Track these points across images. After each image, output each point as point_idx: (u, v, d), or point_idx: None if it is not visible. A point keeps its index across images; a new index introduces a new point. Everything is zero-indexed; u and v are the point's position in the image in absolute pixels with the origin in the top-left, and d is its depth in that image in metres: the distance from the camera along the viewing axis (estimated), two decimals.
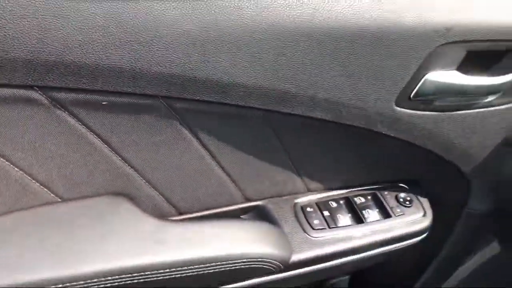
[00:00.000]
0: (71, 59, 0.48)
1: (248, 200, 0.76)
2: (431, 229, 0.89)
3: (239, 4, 0.51)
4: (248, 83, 0.55)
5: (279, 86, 0.57)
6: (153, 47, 0.50)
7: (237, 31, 0.51)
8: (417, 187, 0.86)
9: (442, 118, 0.69)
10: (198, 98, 0.56)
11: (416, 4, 0.59)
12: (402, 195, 0.84)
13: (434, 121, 0.69)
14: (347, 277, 1.04)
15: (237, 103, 0.58)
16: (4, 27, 0.45)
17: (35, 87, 0.51)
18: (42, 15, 0.45)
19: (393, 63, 0.60)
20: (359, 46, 0.57)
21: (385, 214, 0.81)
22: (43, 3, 0.45)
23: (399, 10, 0.58)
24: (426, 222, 0.83)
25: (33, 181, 0.59)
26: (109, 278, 0.58)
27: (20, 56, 0.46)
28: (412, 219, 0.82)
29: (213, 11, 0.50)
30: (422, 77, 0.63)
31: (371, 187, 0.84)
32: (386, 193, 0.84)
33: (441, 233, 0.91)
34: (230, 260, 0.65)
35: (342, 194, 0.82)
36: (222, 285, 0.68)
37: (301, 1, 0.53)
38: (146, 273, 0.59)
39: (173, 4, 0.49)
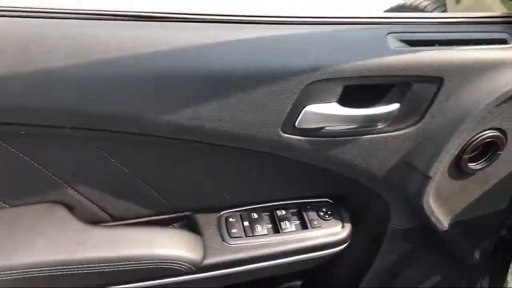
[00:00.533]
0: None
1: (177, 211, 0.88)
2: (363, 241, 0.97)
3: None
4: (155, 118, 0.68)
5: (185, 122, 0.69)
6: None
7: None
8: (340, 203, 0.94)
9: (336, 143, 0.77)
10: (116, 129, 0.70)
11: (285, 52, 0.68)
12: (324, 209, 0.93)
13: (327, 145, 0.77)
14: (299, 282, 1.13)
15: (150, 133, 0.71)
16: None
17: None
18: None
19: (273, 98, 0.70)
20: (244, 87, 0.68)
21: (303, 225, 0.90)
22: None
23: (270, 57, 0.68)
24: (343, 234, 0.91)
25: None
26: (35, 269, 0.73)
27: None
28: (329, 232, 0.90)
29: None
30: (302, 109, 0.72)
31: (298, 201, 0.93)
32: (309, 207, 0.93)
33: (371, 245, 0.98)
34: (143, 260, 0.77)
35: (268, 207, 0.92)
36: (137, 283, 0.80)
37: (202, 53, 0.66)
38: (63, 267, 0.73)
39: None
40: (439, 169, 0.80)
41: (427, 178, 0.81)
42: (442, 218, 0.89)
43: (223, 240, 0.86)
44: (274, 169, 0.87)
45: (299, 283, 1.13)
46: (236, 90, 0.68)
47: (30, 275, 0.73)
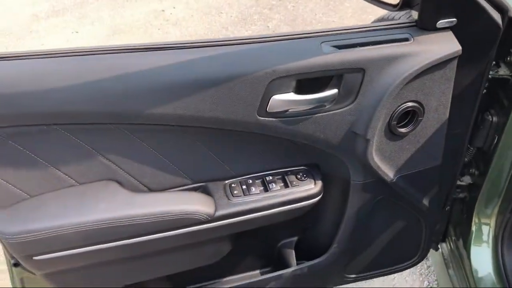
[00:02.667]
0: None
1: (197, 182, 1.23)
2: (333, 196, 1.30)
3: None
4: (172, 111, 1.03)
5: (192, 113, 1.04)
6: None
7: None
8: (313, 168, 1.28)
9: (298, 121, 1.11)
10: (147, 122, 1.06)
11: (253, 62, 1.03)
12: (301, 173, 1.27)
13: (292, 123, 1.11)
14: (294, 238, 1.46)
15: (168, 123, 1.06)
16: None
17: (52, 125, 1.04)
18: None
19: (249, 93, 1.04)
20: (228, 86, 1.02)
21: (286, 185, 1.24)
22: None
23: (244, 66, 1.02)
24: (316, 189, 1.26)
25: (63, 173, 1.11)
26: (99, 223, 1.09)
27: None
28: (305, 188, 1.25)
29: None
30: (270, 98, 1.06)
31: (281, 170, 1.28)
32: (289, 173, 1.27)
33: (340, 199, 1.32)
34: (172, 214, 1.13)
35: (259, 176, 1.27)
36: (168, 231, 1.15)
37: (192, 63, 1.01)
38: (118, 221, 1.09)
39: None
40: (375, 133, 1.13)
41: (367, 141, 1.14)
42: (388, 172, 1.22)
43: (228, 199, 1.21)
44: (262, 148, 1.21)
45: (294, 239, 1.46)
46: (223, 89, 1.03)
47: (95, 228, 1.09)
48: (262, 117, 1.08)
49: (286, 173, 1.27)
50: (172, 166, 1.18)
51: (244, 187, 1.23)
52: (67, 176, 1.12)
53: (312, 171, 1.28)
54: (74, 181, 1.13)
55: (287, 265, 1.43)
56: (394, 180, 1.24)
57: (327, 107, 1.11)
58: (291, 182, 1.24)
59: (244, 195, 1.22)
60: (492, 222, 1.36)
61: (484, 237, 1.40)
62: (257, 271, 1.50)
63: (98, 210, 1.10)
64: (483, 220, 1.39)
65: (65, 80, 0.98)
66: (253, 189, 1.23)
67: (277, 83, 1.05)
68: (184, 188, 1.22)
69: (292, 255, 1.46)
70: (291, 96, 1.07)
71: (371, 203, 1.31)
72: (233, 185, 1.24)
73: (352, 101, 1.11)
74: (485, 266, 1.39)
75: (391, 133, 1.16)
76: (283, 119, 1.10)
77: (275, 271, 1.41)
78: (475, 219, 1.45)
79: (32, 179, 1.10)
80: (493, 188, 1.32)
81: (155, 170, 1.17)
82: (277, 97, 1.07)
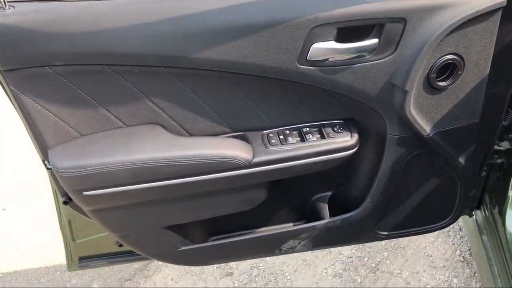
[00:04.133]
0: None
1: (236, 130, 1.28)
2: (369, 149, 1.32)
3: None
4: (216, 56, 1.07)
5: (234, 58, 1.08)
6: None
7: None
8: (350, 122, 1.30)
9: (337, 70, 1.13)
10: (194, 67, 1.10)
11: (294, 7, 1.06)
12: (337, 126, 1.29)
13: (331, 72, 1.13)
14: (328, 193, 1.50)
15: (211, 68, 1.11)
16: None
17: (104, 65, 1.10)
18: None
19: (289, 39, 1.07)
20: (270, 33, 1.06)
21: (322, 137, 1.27)
22: None
23: (285, 11, 1.06)
24: (352, 141, 1.27)
25: (113, 115, 1.18)
26: (145, 162, 1.15)
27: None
28: (341, 140, 1.27)
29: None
30: (310, 46, 1.09)
31: (318, 123, 1.30)
32: (326, 125, 1.30)
33: (375, 153, 1.34)
34: (213, 157, 1.18)
35: (297, 127, 1.30)
36: (209, 174, 1.21)
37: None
38: (162, 160, 1.16)
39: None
40: (414, 84, 1.14)
41: (405, 93, 1.15)
42: (424, 126, 1.23)
43: (266, 147, 1.25)
44: (301, 99, 1.25)
45: (328, 193, 1.50)
46: (265, 35, 1.06)
47: (141, 166, 1.15)
48: (302, 65, 1.11)
49: (323, 125, 1.30)
50: (213, 113, 1.23)
51: (281, 137, 1.27)
52: (116, 118, 1.19)
53: (348, 124, 1.30)
54: (122, 123, 1.20)
55: (320, 219, 1.47)
56: (431, 135, 1.25)
57: (366, 57, 1.13)
58: (327, 134, 1.27)
59: (281, 144, 1.25)
60: None
61: None
62: (290, 224, 1.55)
63: (144, 150, 1.17)
64: None
65: (120, 22, 1.04)
66: (290, 139, 1.26)
67: (318, 30, 1.07)
68: (224, 136, 1.27)
69: (325, 209, 1.49)
70: (332, 44, 1.10)
71: (406, 158, 1.32)
72: (270, 134, 1.28)
73: (392, 51, 1.12)
74: None
75: (429, 86, 1.17)
76: (323, 68, 1.13)
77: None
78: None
79: (84, 118, 1.17)
80: None
81: (197, 116, 1.22)
82: (318, 45, 1.09)
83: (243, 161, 1.20)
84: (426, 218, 1.54)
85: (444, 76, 1.17)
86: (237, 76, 1.14)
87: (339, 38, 1.10)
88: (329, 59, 1.12)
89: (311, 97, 1.24)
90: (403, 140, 1.28)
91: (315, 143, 1.26)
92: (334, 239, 1.51)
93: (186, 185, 1.21)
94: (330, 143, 1.26)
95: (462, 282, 2.01)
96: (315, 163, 1.27)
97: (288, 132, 1.28)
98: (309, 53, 1.10)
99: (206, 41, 1.06)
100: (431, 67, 1.13)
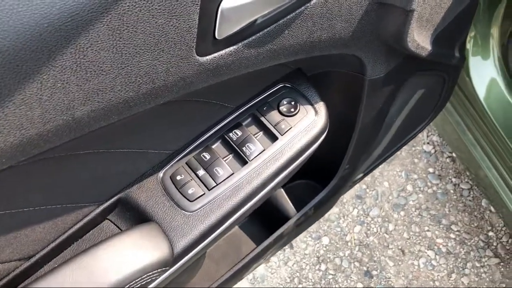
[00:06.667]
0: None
1: (107, 199, 0.68)
2: (344, 103, 0.89)
3: None
4: None
5: None
6: None
7: None
8: (298, 80, 0.77)
9: (282, 28, 0.59)
10: None
11: None
12: (285, 102, 0.75)
13: (271, 37, 0.59)
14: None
15: None
16: None
17: None
18: None
19: (169, 17, 0.48)
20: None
21: (270, 135, 0.73)
22: None
23: None
24: (321, 121, 0.74)
25: None
26: None
27: None
28: (303, 127, 0.73)
29: None
30: (216, 13, 0.51)
31: (247, 106, 0.75)
32: (265, 108, 0.74)
33: (347, 107, 0.88)
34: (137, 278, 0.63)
35: (214, 134, 0.73)
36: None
37: None
38: None
39: None
40: None
41: (409, 13, 0.65)
42: (425, 45, 0.76)
43: (182, 208, 0.68)
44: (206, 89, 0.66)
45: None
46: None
47: None
48: (207, 55, 0.54)
49: (259, 109, 0.75)
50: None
51: (200, 172, 0.70)
52: None
53: (299, 88, 0.77)
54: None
55: (284, 219, 1.00)
56: (431, 50, 0.78)
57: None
58: (276, 127, 0.73)
59: (209, 189, 0.69)
60: (495, 30, 1.05)
61: (486, 49, 1.07)
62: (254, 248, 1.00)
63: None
64: (481, 29, 1.05)
65: None
66: (218, 170, 0.70)
67: None
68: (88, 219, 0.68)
69: (287, 204, 1.00)
70: None
71: (395, 93, 0.87)
72: (178, 176, 0.70)
73: None
74: (491, 81, 1.06)
75: None
76: (252, 39, 0.57)
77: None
78: (470, 32, 1.06)
79: None
80: None
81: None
82: (229, 3, 0.51)
83: (160, 269, 0.66)
84: (409, 129, 1.13)
85: None
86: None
87: None
88: (258, 20, 0.55)
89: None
90: (391, 76, 0.80)
91: (266, 158, 0.72)
92: (308, 225, 1.08)
93: None
94: (290, 146, 0.72)
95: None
96: (277, 185, 0.75)
97: (207, 156, 0.71)
98: (217, 26, 0.52)
99: None
100: None
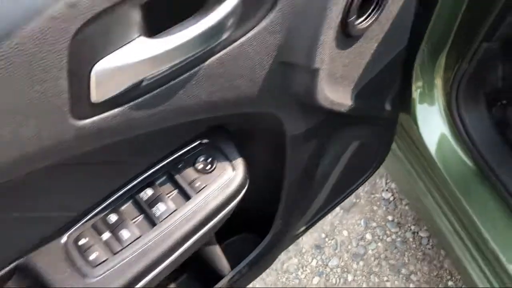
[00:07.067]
0: None
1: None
2: (270, 158, 0.87)
3: None
4: None
5: None
6: None
7: None
8: (216, 138, 0.74)
9: (172, 90, 0.54)
10: None
11: None
12: (201, 159, 0.72)
13: (161, 99, 0.54)
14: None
15: None
16: None
17: None
18: None
19: (32, 77, 0.41)
20: None
21: (184, 194, 0.69)
22: None
23: None
24: (238, 177, 0.72)
25: None
26: None
27: None
28: (220, 184, 0.70)
29: None
30: (90, 71, 0.45)
31: (160, 165, 0.71)
32: (180, 165, 0.71)
33: (279, 158, 0.83)
34: None
35: (126, 194, 0.68)
36: None
37: None
38: None
39: None
40: (326, 52, 0.63)
41: (314, 71, 0.64)
42: (343, 101, 0.76)
43: (86, 277, 0.62)
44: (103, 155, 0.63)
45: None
46: None
47: None
48: (86, 118, 0.48)
49: (174, 167, 0.71)
50: None
51: (106, 235, 0.65)
52: None
53: (216, 144, 0.74)
54: None
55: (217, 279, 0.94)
56: (353, 104, 0.79)
57: (224, 38, 0.53)
58: (191, 185, 0.70)
59: (114, 253, 0.64)
60: (438, 80, 1.05)
61: (432, 98, 1.06)
62: None
63: None
64: (426, 78, 1.04)
65: None
66: (123, 233, 0.65)
67: (95, 29, 0.42)
68: None
69: (221, 260, 0.94)
70: (141, 43, 0.47)
71: (319, 147, 0.87)
72: (82, 240, 0.65)
73: (267, 9, 0.55)
74: (437, 129, 1.06)
75: (345, 38, 0.66)
76: (138, 101, 0.51)
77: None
78: (416, 82, 1.04)
79: None
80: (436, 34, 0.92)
81: None
82: (105, 63, 0.45)
83: None
84: (351, 179, 1.10)
85: (365, 13, 0.67)
86: None
87: (153, 26, 0.48)
88: (145, 80, 0.50)
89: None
90: (313, 131, 0.79)
91: (177, 219, 0.67)
92: (246, 282, 1.02)
93: None
94: (205, 205, 0.69)
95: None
96: (189, 249, 0.71)
97: (115, 217, 0.67)
98: (92, 87, 0.46)
99: None
100: (345, 6, 0.61)
